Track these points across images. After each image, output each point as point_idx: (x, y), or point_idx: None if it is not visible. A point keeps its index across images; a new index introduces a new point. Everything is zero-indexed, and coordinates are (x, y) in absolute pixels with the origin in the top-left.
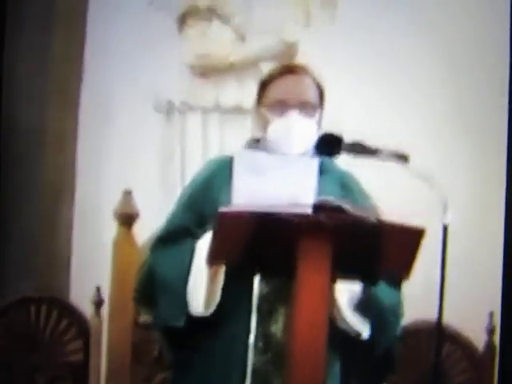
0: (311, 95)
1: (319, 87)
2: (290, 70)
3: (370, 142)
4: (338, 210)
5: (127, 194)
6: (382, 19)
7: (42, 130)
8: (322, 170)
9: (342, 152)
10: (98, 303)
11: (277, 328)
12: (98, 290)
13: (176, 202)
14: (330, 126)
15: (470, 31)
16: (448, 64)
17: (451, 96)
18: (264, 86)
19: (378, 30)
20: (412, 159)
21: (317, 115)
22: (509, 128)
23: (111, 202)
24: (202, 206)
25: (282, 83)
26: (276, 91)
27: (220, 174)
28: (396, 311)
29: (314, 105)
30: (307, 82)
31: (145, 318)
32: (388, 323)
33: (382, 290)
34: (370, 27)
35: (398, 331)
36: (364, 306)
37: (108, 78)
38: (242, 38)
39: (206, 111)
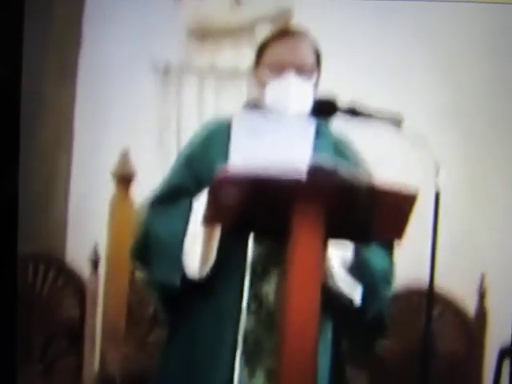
0: (308, 58)
1: (316, 51)
2: (288, 33)
3: (365, 106)
4: (332, 173)
5: (124, 155)
6: None
7: (41, 92)
8: (318, 134)
9: (336, 114)
10: (95, 262)
11: (270, 289)
12: (96, 248)
13: (174, 162)
14: (326, 91)
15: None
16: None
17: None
18: (262, 48)
19: None
20: (407, 124)
21: (314, 78)
22: None
23: (109, 162)
24: (200, 166)
25: (280, 46)
26: (274, 53)
27: (218, 135)
28: (387, 275)
29: (311, 67)
30: (305, 45)
31: (141, 275)
32: (379, 287)
33: (374, 253)
34: None
35: (390, 295)
36: (356, 271)
37: (106, 42)
38: (238, 2)
39: (202, 73)
